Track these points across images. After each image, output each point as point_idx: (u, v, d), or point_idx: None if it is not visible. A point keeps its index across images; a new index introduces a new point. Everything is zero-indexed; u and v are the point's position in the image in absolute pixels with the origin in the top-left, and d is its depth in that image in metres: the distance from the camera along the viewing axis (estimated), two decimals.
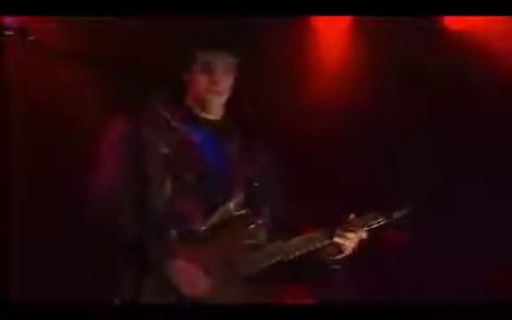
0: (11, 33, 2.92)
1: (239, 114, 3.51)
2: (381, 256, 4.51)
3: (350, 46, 4.98)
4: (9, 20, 3.26)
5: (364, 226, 3.47)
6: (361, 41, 4.95)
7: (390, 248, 4.63)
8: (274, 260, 3.36)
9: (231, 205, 3.38)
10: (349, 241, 3.44)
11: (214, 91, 3.43)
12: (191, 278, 3.24)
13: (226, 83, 3.46)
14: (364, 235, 3.47)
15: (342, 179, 3.57)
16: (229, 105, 3.50)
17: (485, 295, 4.49)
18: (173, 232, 3.27)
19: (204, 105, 3.46)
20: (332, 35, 4.98)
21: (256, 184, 3.44)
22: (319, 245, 3.42)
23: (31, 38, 2.93)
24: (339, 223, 3.44)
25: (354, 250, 3.46)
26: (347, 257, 3.45)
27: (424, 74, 4.83)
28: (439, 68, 4.82)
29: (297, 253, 3.39)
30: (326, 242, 3.43)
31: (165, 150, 3.32)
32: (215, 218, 3.35)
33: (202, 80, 3.43)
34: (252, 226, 3.37)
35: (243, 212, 3.39)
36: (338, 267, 3.45)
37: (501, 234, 4.77)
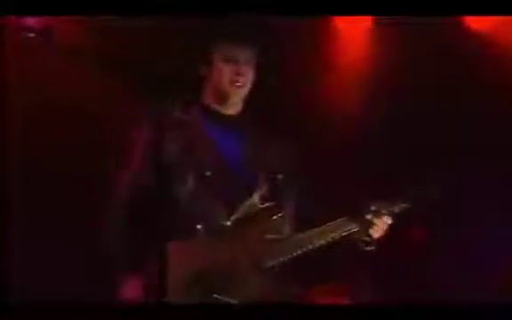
0: (32, 35, 2.92)
1: (258, 107, 3.52)
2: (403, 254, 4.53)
3: (367, 45, 4.98)
4: (30, 22, 3.30)
5: (387, 212, 3.45)
6: (378, 39, 4.95)
7: (414, 245, 4.65)
8: (299, 251, 3.37)
9: (256, 198, 3.39)
10: (374, 225, 3.43)
11: (237, 82, 3.43)
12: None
13: (249, 75, 3.47)
14: (389, 220, 3.45)
15: None
16: (249, 99, 3.52)
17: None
18: (199, 227, 3.29)
19: (224, 98, 3.47)
20: (347, 33, 4.98)
21: (279, 176, 3.45)
22: (344, 233, 3.43)
23: (50, 39, 2.93)
24: (362, 210, 3.45)
25: (382, 235, 3.45)
26: (376, 240, 3.45)
27: (440, 72, 4.81)
28: (456, 67, 4.80)
29: (322, 242, 3.39)
30: (352, 229, 3.43)
31: (185, 150, 3.33)
32: (241, 212, 3.36)
33: (225, 71, 3.44)
34: (275, 217, 3.37)
35: (268, 204, 3.39)
36: (368, 248, 3.45)
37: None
